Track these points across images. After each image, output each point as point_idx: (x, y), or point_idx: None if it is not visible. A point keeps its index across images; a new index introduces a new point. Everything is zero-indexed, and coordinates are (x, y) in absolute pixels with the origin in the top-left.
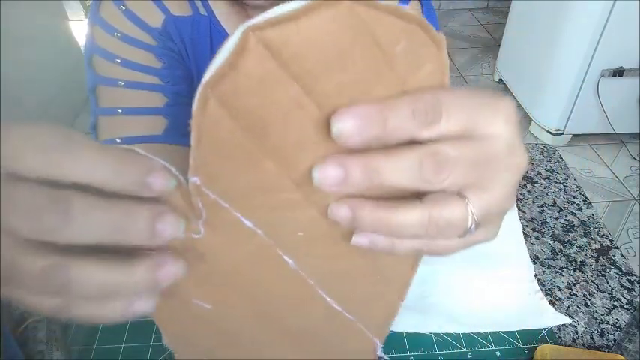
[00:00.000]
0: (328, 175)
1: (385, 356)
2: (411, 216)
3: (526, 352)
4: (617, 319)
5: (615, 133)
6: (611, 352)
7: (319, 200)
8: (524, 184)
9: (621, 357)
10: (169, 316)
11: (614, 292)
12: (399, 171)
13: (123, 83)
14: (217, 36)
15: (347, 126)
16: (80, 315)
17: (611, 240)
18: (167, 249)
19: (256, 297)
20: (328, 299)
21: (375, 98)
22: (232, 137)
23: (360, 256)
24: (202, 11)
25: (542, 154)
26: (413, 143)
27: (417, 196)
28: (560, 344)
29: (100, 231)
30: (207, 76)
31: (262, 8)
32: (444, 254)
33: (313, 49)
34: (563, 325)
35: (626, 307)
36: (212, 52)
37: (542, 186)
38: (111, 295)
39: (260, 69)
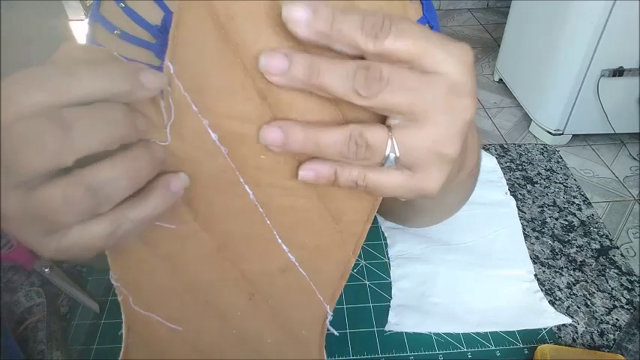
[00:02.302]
0: (273, 62)
1: (334, 331)
2: (335, 133)
3: (526, 352)
4: (617, 319)
5: (615, 133)
6: (611, 352)
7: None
8: (524, 184)
9: (621, 357)
10: (125, 245)
11: (614, 292)
12: (335, 75)
13: None
14: None
15: (296, 13)
16: (139, 219)
17: (611, 240)
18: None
19: (215, 229)
20: (284, 246)
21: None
22: (206, 31)
23: (318, 196)
24: None
25: (542, 154)
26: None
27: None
28: (560, 344)
29: (94, 131)
30: None
31: None
32: (382, 193)
33: None
34: (563, 325)
35: (626, 307)
36: None
37: (542, 186)
38: (137, 180)
39: None
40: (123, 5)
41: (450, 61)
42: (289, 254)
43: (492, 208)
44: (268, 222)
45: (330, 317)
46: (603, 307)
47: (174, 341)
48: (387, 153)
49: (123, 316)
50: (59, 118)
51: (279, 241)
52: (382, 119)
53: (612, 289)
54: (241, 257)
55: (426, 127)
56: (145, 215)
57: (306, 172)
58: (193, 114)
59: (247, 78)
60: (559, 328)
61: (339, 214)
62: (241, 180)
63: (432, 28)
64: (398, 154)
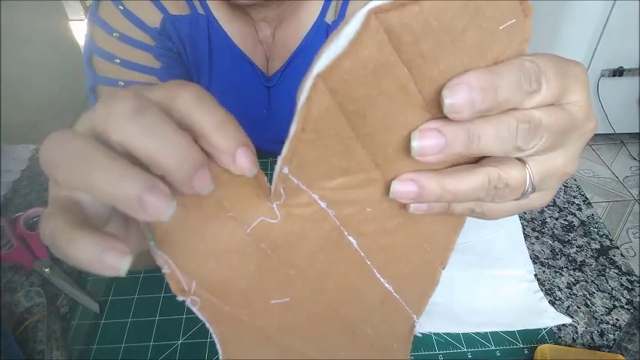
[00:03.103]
0: (429, 143)
1: (418, 334)
2: (473, 181)
3: (526, 352)
4: (617, 319)
5: (615, 133)
6: (611, 352)
7: (393, 176)
8: None
9: (621, 357)
10: (240, 334)
11: (614, 292)
12: (496, 138)
13: (122, 83)
14: (215, 35)
15: (460, 100)
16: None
17: (611, 240)
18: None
19: (324, 289)
20: (382, 279)
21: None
22: (333, 125)
23: (413, 226)
24: (200, 10)
25: None
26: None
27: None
28: (560, 344)
29: (151, 135)
30: (321, 65)
31: (254, 7)
32: (496, 217)
33: (431, 33)
34: (563, 325)
35: (626, 307)
36: (210, 50)
37: None
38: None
39: (377, 56)
40: (121, 8)
41: (579, 87)
42: (386, 285)
43: None
44: (368, 262)
45: (417, 325)
46: (603, 307)
47: None
48: (526, 188)
49: None
50: (143, 102)
51: (378, 276)
52: None
53: (612, 289)
54: (345, 304)
55: (560, 154)
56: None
57: (420, 205)
58: (303, 192)
59: (367, 156)
60: (559, 328)
61: (429, 235)
62: (345, 233)
63: None
64: (535, 187)
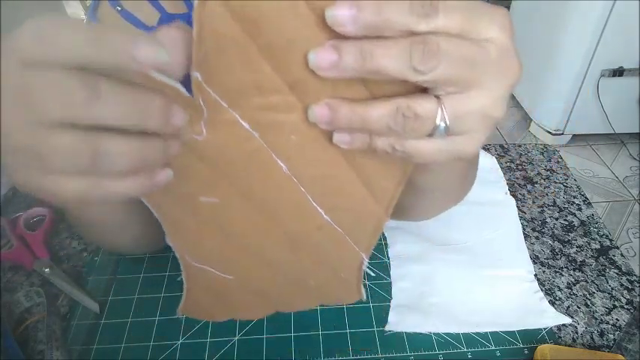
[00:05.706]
0: (323, 57)
1: (370, 272)
2: (382, 108)
3: (526, 352)
4: (617, 319)
5: (615, 133)
6: (611, 352)
7: (311, 103)
8: (524, 184)
9: (621, 357)
10: (177, 217)
11: (614, 292)
12: (390, 56)
13: None
14: None
15: (340, 13)
16: (106, 194)
17: (611, 240)
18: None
19: (255, 199)
20: (319, 209)
21: None
22: (229, 31)
23: (348, 165)
24: None
25: (542, 154)
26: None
27: None
28: (560, 344)
29: (122, 109)
30: None
31: None
32: (420, 158)
33: None
34: (563, 325)
35: (626, 307)
36: None
37: (542, 186)
38: (137, 164)
39: None
40: (119, 8)
41: (494, 27)
42: (324, 215)
43: (492, 208)
44: (303, 189)
45: (366, 263)
46: (603, 307)
47: (229, 285)
48: (437, 123)
49: (181, 267)
50: (93, 82)
51: (314, 204)
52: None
53: (612, 289)
54: (281, 220)
55: (477, 93)
56: (118, 191)
57: (342, 135)
58: (225, 110)
59: (275, 73)
60: (559, 328)
61: (369, 181)
62: (274, 156)
63: None
64: (448, 123)
